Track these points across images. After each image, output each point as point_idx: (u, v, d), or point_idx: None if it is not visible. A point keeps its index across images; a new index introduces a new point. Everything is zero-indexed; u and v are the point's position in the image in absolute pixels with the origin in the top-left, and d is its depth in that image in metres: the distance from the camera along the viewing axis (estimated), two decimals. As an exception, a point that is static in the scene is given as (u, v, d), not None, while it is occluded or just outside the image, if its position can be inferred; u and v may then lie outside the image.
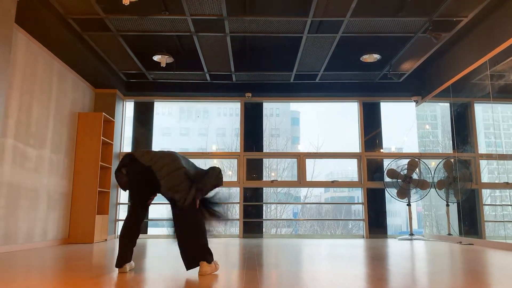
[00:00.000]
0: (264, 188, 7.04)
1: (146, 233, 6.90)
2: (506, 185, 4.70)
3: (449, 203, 6.02)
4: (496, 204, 5.14)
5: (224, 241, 5.89)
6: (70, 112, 5.63)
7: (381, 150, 7.03)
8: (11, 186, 4.26)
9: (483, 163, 5.36)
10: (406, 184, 6.43)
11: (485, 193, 5.36)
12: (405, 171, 6.44)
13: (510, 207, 4.78)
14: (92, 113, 5.96)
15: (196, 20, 4.78)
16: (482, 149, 5.32)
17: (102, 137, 5.85)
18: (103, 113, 5.95)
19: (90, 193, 5.65)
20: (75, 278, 2.42)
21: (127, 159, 2.77)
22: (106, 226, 6.03)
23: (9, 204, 4.24)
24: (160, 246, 4.97)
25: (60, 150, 5.34)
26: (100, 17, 4.66)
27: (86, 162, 5.73)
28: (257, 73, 6.55)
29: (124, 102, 7.02)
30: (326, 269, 2.86)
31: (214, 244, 5.37)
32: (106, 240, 6.00)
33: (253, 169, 6.96)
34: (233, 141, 8.16)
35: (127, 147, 7.03)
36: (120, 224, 6.77)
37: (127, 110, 7.09)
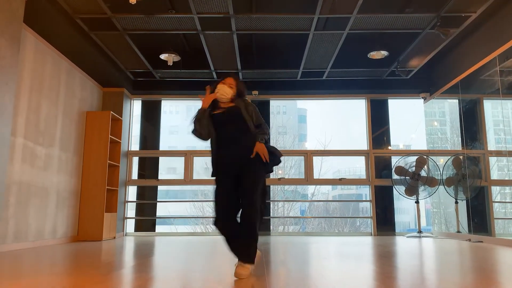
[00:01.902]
0: (271, 186, 7.04)
1: (154, 230, 6.94)
2: (516, 182, 4.66)
3: (458, 201, 5.97)
4: (506, 201, 5.09)
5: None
6: (78, 111, 5.67)
7: (389, 147, 6.99)
8: (21, 184, 4.31)
9: (492, 160, 5.30)
10: (414, 182, 6.38)
11: (495, 190, 5.30)
12: (413, 168, 6.40)
13: (520, 204, 4.73)
14: (100, 112, 5.99)
15: (203, 18, 4.78)
16: (491, 146, 5.27)
17: (110, 136, 5.89)
18: (111, 111, 5.98)
19: (98, 191, 5.70)
20: (85, 276, 2.44)
21: None
22: (114, 224, 6.07)
23: (20, 202, 4.29)
24: (167, 244, 4.99)
25: (69, 148, 5.38)
26: (107, 16, 4.68)
27: (94, 160, 5.77)
28: (264, 71, 6.54)
29: (132, 101, 7.05)
30: (334, 267, 2.85)
31: (223, 242, 5.39)
32: (114, 237, 6.04)
33: (260, 167, 6.94)
34: (240, 139, 8.18)
35: (134, 146, 7.07)
36: (129, 222, 6.81)
37: (134, 109, 7.13)
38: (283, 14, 4.71)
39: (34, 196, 4.56)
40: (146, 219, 6.98)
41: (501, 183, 5.13)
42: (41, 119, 4.69)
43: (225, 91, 2.67)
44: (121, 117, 6.40)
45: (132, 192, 6.95)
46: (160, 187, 7.17)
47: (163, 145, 7.24)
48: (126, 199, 6.74)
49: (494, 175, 5.26)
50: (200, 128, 2.65)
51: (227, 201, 2.56)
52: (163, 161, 7.29)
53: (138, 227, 6.93)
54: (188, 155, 6.93)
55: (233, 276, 2.39)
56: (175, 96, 7.20)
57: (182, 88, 6.95)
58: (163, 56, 5.69)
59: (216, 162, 2.65)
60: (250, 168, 2.54)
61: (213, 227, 2.61)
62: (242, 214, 2.50)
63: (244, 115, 2.62)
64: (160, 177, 7.03)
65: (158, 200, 7.12)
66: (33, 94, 4.53)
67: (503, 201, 5.18)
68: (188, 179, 6.85)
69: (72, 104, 5.48)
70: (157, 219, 7.08)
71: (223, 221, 2.55)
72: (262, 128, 2.64)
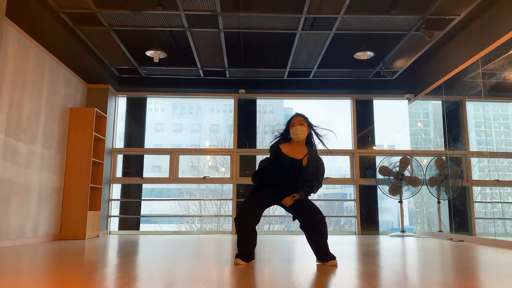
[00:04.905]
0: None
1: (139, 229, 6.88)
2: (496, 183, 4.76)
3: (440, 200, 6.08)
4: (487, 201, 5.20)
5: (217, 238, 5.90)
6: (62, 107, 5.57)
7: (374, 147, 7.07)
8: (2, 181, 4.22)
9: (474, 160, 5.41)
10: (398, 181, 6.47)
11: (476, 190, 5.41)
12: (397, 168, 6.48)
13: (500, 204, 4.83)
14: (84, 109, 5.91)
15: (190, 16, 4.75)
16: (473, 146, 5.37)
17: (94, 133, 5.81)
18: (95, 108, 5.90)
19: (82, 189, 5.62)
20: (67, 275, 2.41)
21: None
22: (98, 222, 6.00)
23: (0, 200, 4.20)
24: (151, 242, 4.95)
25: (52, 145, 5.29)
26: (93, 12, 4.61)
27: (78, 157, 5.68)
28: (251, 70, 6.53)
29: (117, 98, 6.97)
30: (319, 265, 2.87)
31: (208, 240, 5.38)
32: (98, 236, 5.97)
33: (246, 165, 6.96)
34: (226, 137, 8.15)
35: (119, 143, 6.99)
36: (112, 221, 6.74)
37: (119, 106, 7.04)
38: (271, 13, 4.71)
39: (15, 194, 4.47)
40: (131, 218, 6.91)
41: (482, 183, 5.24)
42: (23, 115, 4.60)
43: (299, 132, 2.98)
44: (106, 114, 6.32)
45: (116, 190, 6.88)
46: (144, 185, 7.11)
47: (148, 143, 7.18)
48: (110, 197, 6.67)
49: (475, 175, 5.36)
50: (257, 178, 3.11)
51: (255, 209, 3.01)
52: (148, 159, 7.22)
53: (122, 225, 6.86)
54: (174, 153, 6.89)
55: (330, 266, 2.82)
56: (161, 94, 7.15)
57: (168, 86, 6.90)
58: (149, 53, 5.63)
59: (266, 184, 3.04)
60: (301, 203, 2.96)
61: (236, 220, 2.99)
62: (315, 232, 2.93)
63: (308, 169, 2.95)
64: (145, 175, 6.97)
65: (142, 198, 7.06)
66: (15, 90, 4.43)
67: (484, 201, 5.29)
68: (173, 178, 6.81)
69: (56, 101, 5.39)
70: (141, 218, 7.02)
71: (247, 222, 2.97)
72: (311, 185, 2.96)
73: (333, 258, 2.89)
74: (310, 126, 3.08)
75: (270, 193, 3.04)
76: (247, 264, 2.88)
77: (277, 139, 3.13)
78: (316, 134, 3.09)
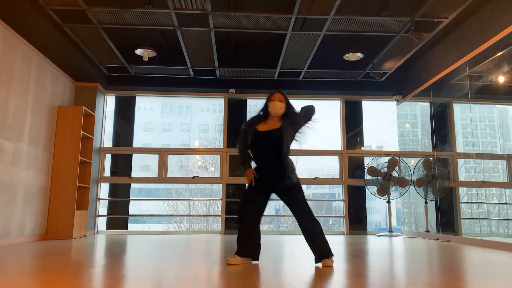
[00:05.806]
0: (246, 185, 7.04)
1: (127, 229, 6.83)
2: (482, 184, 4.83)
3: (427, 201, 6.15)
4: (472, 202, 5.27)
5: (206, 237, 5.88)
6: (49, 105, 5.50)
7: (362, 148, 7.12)
8: (-13, 180, 4.15)
9: (460, 161, 5.48)
10: (386, 182, 6.53)
11: (462, 191, 5.49)
12: (385, 169, 6.54)
13: (485, 205, 4.91)
14: (72, 107, 5.84)
15: (180, 14, 4.73)
16: (460, 148, 5.45)
17: (82, 132, 5.75)
18: (84, 107, 5.84)
19: (69, 188, 5.55)
20: (54, 275, 2.38)
21: None
22: (85, 222, 5.93)
23: (-15, 199, 4.13)
24: (139, 242, 4.92)
25: (39, 144, 5.22)
26: (82, 9, 4.56)
27: (65, 156, 5.62)
28: (241, 70, 6.53)
29: (105, 96, 6.91)
30: (307, 265, 2.88)
31: (197, 240, 5.36)
32: (85, 236, 5.91)
33: (236, 165, 6.95)
34: (216, 137, 8.13)
35: (107, 142, 6.93)
36: (100, 220, 6.67)
37: (108, 104, 6.98)
38: (261, 13, 4.71)
39: (0, 193, 4.40)
40: (119, 217, 6.85)
41: (468, 184, 5.31)
42: (9, 113, 4.53)
43: (277, 107, 3.03)
44: (94, 112, 6.25)
45: (104, 190, 6.82)
46: (133, 185, 7.06)
47: (137, 142, 7.13)
48: (98, 197, 6.60)
49: (462, 176, 5.44)
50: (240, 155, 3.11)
51: (255, 202, 3.05)
52: (136, 159, 7.17)
53: (110, 225, 6.80)
54: (163, 153, 6.85)
55: (323, 267, 2.77)
56: (150, 92, 7.10)
57: (158, 84, 6.86)
58: (138, 51, 5.60)
59: (256, 172, 3.06)
60: (290, 190, 2.98)
61: (239, 207, 3.09)
62: (306, 226, 2.94)
63: (284, 140, 2.91)
64: (133, 174, 6.92)
65: (131, 198, 7.01)
66: (1, 88, 4.36)
67: (470, 201, 5.36)
68: (162, 177, 6.78)
69: (43, 98, 5.31)
70: (129, 217, 6.97)
71: (249, 215, 3.00)
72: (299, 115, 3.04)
73: (327, 256, 2.86)
74: (288, 106, 3.07)
75: (266, 179, 3.03)
76: (240, 265, 2.87)
77: (253, 116, 3.14)
78: (292, 114, 3.05)
